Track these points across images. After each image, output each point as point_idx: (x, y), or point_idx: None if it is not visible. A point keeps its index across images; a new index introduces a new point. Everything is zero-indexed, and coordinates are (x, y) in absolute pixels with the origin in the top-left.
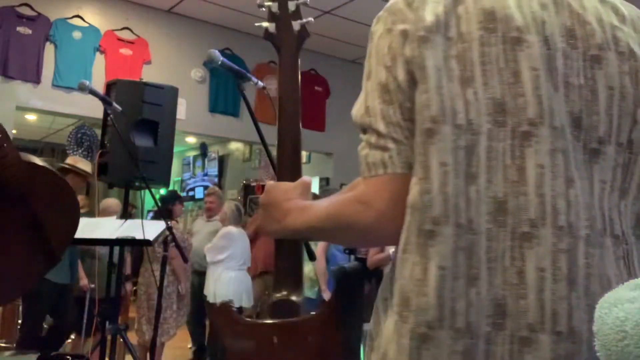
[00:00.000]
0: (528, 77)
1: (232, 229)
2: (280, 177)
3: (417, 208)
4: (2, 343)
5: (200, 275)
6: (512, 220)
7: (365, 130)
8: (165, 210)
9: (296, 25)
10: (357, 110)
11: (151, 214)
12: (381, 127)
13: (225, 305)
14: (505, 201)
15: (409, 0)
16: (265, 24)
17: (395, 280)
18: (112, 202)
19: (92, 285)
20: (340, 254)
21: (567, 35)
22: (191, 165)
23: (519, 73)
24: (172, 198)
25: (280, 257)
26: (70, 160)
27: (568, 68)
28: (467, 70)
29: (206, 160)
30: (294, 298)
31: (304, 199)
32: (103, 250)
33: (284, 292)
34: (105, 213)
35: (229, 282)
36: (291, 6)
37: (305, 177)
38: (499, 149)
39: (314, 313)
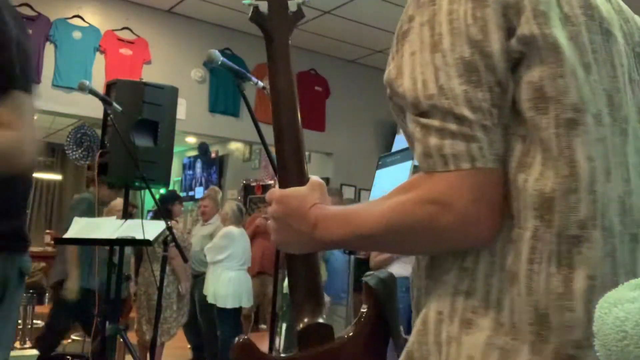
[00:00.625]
0: (620, 73)
1: (232, 228)
2: (282, 179)
3: (558, 211)
4: None
5: (193, 277)
6: (629, 220)
7: (428, 113)
8: (164, 210)
9: (293, 5)
10: (414, 88)
11: (151, 214)
12: (466, 112)
13: (247, 344)
14: (624, 201)
15: None
16: (255, 2)
17: (506, 293)
18: (118, 201)
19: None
20: (341, 254)
21: (623, 31)
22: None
23: (615, 68)
24: (172, 198)
25: (296, 274)
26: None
27: (630, 65)
28: (584, 57)
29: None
30: (321, 320)
31: (325, 203)
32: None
33: (310, 316)
34: (111, 213)
35: (229, 282)
36: None
37: (314, 178)
38: (616, 143)
39: (351, 332)
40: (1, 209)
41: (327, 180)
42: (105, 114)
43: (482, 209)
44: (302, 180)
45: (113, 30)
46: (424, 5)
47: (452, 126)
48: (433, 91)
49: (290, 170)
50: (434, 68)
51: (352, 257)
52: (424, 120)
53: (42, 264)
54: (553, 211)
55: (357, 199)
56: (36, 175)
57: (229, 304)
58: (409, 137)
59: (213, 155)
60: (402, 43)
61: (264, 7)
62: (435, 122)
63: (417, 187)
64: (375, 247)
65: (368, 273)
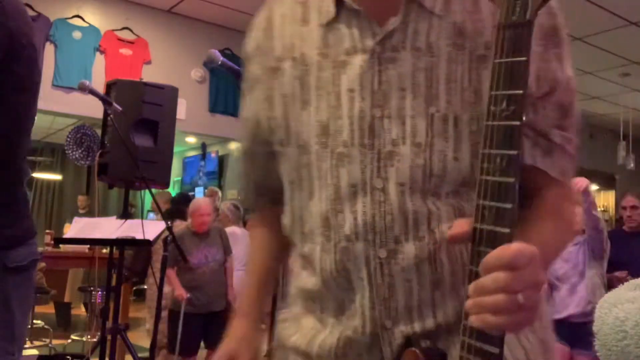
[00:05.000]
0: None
1: (235, 229)
2: None
3: None
4: None
5: None
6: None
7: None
8: (177, 210)
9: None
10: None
11: (151, 215)
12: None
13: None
14: None
15: None
16: None
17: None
18: (202, 201)
19: (189, 295)
20: None
21: None
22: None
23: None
24: (185, 199)
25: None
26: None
27: None
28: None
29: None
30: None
31: None
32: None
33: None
34: (195, 215)
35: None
36: None
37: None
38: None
39: None
40: None
41: None
42: (105, 114)
43: None
44: None
45: (113, 30)
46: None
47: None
48: None
49: None
50: None
51: None
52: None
53: (42, 264)
54: None
55: None
56: (36, 175)
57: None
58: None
59: (213, 155)
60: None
61: None
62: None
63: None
64: None
65: None
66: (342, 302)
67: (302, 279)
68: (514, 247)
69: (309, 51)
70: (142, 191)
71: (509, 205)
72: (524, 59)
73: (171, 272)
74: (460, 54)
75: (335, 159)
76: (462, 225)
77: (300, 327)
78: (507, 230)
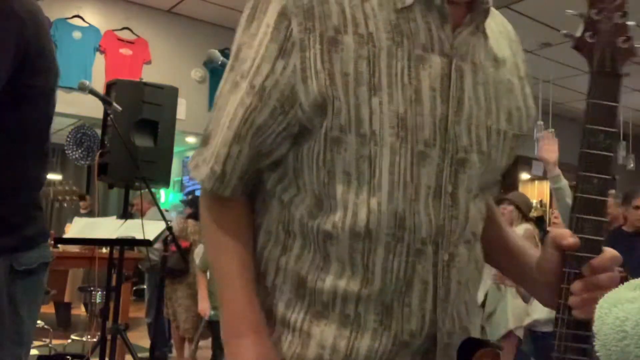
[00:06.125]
0: None
1: None
2: None
3: None
4: None
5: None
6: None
7: None
8: (194, 214)
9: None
10: None
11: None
12: None
13: None
14: None
15: None
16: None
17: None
18: None
19: (213, 312)
20: None
21: None
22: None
23: None
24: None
25: None
26: None
27: None
28: None
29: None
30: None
31: None
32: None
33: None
34: None
35: None
36: None
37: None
38: None
39: None
40: None
41: None
42: (105, 114)
43: None
44: None
45: (113, 30)
46: None
47: None
48: None
49: None
50: None
51: None
52: None
53: None
54: None
55: None
56: None
57: None
58: None
59: None
60: None
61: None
62: None
63: None
64: None
65: None
66: (390, 306)
67: (329, 282)
68: (616, 252)
69: (377, 32)
70: (142, 191)
71: (604, 219)
72: (616, 104)
73: (202, 278)
74: (498, 76)
75: (416, 157)
76: (566, 235)
77: (315, 338)
78: (602, 238)
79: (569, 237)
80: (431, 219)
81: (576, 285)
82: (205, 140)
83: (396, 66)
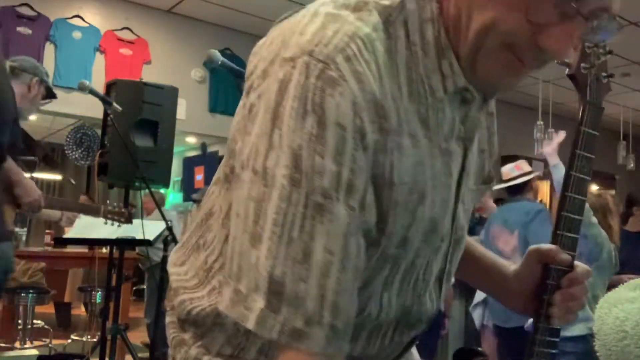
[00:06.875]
0: None
1: None
2: None
3: None
4: (1, 343)
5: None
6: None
7: None
8: None
9: None
10: None
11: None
12: None
13: None
14: None
15: None
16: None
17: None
18: None
19: None
20: None
21: None
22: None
23: None
24: None
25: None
26: None
27: None
28: None
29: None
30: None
31: None
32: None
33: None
34: None
35: None
36: None
37: None
38: None
39: None
40: None
41: None
42: (105, 114)
43: None
44: None
45: (113, 30)
46: None
47: None
48: None
49: None
50: None
51: None
52: None
53: (42, 264)
54: None
55: None
56: (36, 175)
57: None
58: None
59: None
60: None
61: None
62: None
63: None
64: None
65: None
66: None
67: None
68: (587, 266)
69: (415, 130)
70: (142, 191)
71: (576, 236)
72: (597, 134)
73: None
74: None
75: (431, 254)
76: (557, 251)
77: None
78: (575, 253)
79: (559, 254)
80: (434, 305)
81: (557, 297)
82: (292, 296)
83: (437, 167)
